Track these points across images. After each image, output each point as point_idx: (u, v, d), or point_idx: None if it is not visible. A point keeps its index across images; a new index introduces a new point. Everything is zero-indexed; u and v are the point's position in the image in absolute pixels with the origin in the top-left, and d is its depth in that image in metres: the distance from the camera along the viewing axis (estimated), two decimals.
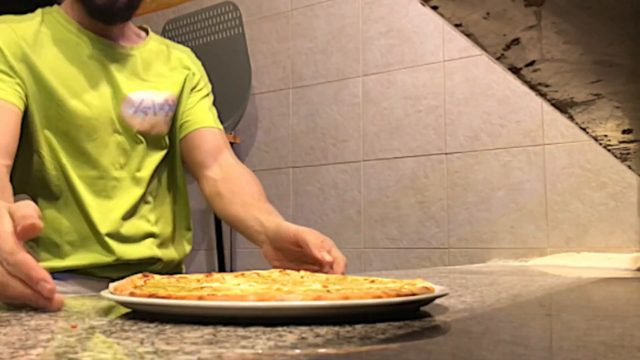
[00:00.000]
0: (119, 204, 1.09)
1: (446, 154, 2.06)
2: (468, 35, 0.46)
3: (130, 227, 1.10)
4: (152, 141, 1.15)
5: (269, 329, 0.45)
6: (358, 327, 0.46)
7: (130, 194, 1.11)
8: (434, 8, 0.41)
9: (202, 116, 1.23)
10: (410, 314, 0.52)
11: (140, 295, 0.50)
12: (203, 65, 1.33)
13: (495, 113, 1.98)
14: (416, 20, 2.15)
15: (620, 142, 0.94)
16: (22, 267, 0.56)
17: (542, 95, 0.65)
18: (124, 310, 0.56)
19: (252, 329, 0.45)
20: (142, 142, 1.13)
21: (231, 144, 2.50)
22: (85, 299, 0.66)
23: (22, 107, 1.03)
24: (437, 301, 0.64)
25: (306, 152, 2.35)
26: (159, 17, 2.73)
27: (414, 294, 0.51)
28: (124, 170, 1.11)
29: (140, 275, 0.64)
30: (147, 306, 0.50)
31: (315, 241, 0.91)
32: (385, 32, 2.22)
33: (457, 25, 0.44)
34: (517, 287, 0.86)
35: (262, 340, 0.40)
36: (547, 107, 1.60)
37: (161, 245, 1.15)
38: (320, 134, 2.33)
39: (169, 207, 1.20)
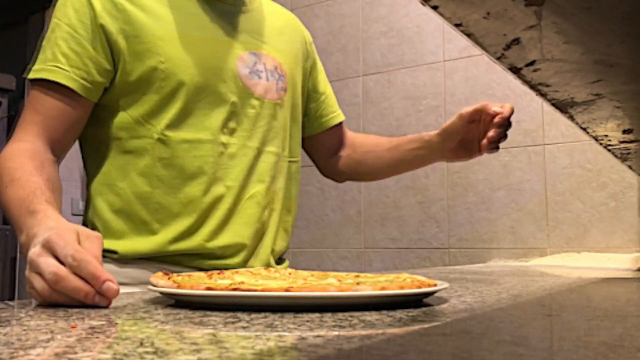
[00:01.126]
0: None
1: None
2: (468, 35, 0.46)
3: None
4: (265, 108, 1.04)
5: (268, 329, 0.45)
6: (358, 327, 0.46)
7: None
8: (434, 8, 0.41)
9: (334, 107, 1.24)
10: (411, 304, 0.53)
11: (216, 288, 0.56)
12: None
13: None
14: (416, 20, 2.15)
15: (621, 142, 0.94)
16: (89, 266, 0.59)
17: (543, 95, 0.65)
18: (123, 310, 0.56)
19: (252, 329, 0.45)
20: (255, 107, 1.03)
21: None
22: None
23: (83, 91, 0.92)
24: (437, 301, 0.64)
25: None
26: None
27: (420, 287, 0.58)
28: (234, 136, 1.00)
29: (161, 273, 0.66)
30: (226, 298, 0.56)
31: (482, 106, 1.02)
32: (385, 32, 2.22)
33: (457, 25, 0.44)
34: (517, 287, 0.86)
35: (262, 340, 0.40)
36: (548, 107, 1.60)
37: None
38: None
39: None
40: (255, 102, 1.02)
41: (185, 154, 0.95)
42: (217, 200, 0.97)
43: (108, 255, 0.93)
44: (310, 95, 1.20)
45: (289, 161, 1.13)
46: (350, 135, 1.28)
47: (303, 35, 1.19)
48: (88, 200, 1.00)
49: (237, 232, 0.98)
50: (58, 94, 0.92)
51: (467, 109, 1.02)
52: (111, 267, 0.93)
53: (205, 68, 0.97)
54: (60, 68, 0.91)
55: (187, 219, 0.95)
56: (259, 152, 1.02)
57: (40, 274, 0.61)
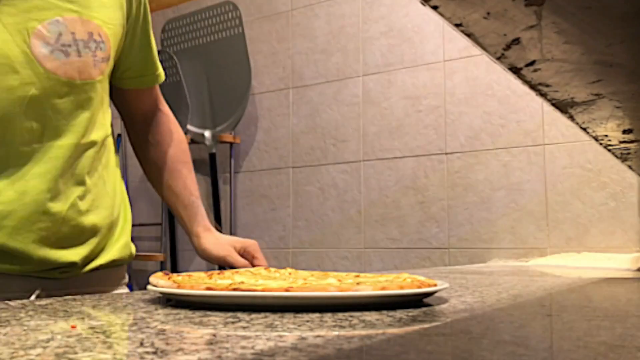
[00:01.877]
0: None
1: (446, 154, 2.06)
2: (468, 35, 0.46)
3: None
4: (78, 92, 0.83)
5: (268, 329, 0.45)
6: (358, 327, 0.46)
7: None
8: (434, 8, 0.41)
9: (155, 64, 0.99)
10: (411, 304, 0.53)
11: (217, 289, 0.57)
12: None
13: (496, 113, 1.98)
14: (416, 20, 2.15)
15: (621, 142, 0.94)
16: None
17: (543, 95, 0.65)
18: (123, 310, 0.56)
19: (252, 329, 0.45)
20: (66, 95, 0.81)
21: (231, 144, 2.53)
22: (85, 299, 0.66)
23: None
24: (437, 301, 0.64)
25: (306, 152, 2.35)
26: (158, 17, 2.73)
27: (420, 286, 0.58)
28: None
29: (161, 273, 0.66)
30: (226, 298, 0.56)
31: (238, 261, 0.96)
32: (385, 32, 2.22)
33: (457, 25, 0.44)
34: (517, 287, 0.86)
35: (262, 340, 0.40)
36: (548, 107, 1.60)
37: None
38: (320, 134, 2.33)
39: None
40: (65, 89, 0.81)
41: None
42: None
43: None
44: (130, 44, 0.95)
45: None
46: (165, 122, 1.04)
47: None
48: None
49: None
50: None
51: (228, 261, 0.96)
52: None
53: None
54: None
55: None
56: (76, 149, 0.83)
57: None
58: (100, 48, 0.84)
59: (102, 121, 0.89)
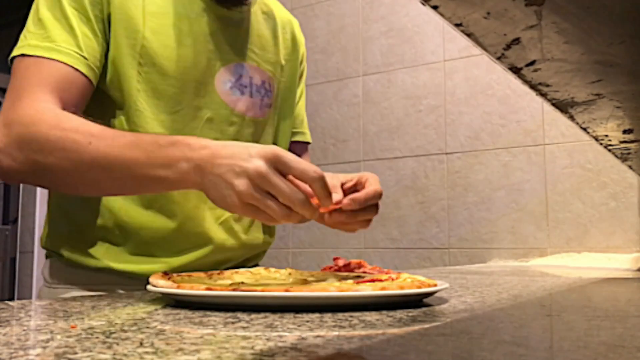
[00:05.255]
0: None
1: (446, 153, 2.06)
2: (468, 35, 0.46)
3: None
4: (244, 126, 0.96)
5: (268, 329, 0.45)
6: (358, 327, 0.46)
7: None
8: (435, 8, 0.41)
9: (303, 124, 1.12)
10: (411, 304, 0.53)
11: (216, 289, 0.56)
12: None
13: (496, 113, 1.98)
14: (416, 19, 2.15)
15: (621, 142, 0.94)
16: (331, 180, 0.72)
17: (543, 95, 0.65)
18: (123, 310, 0.56)
19: (252, 329, 0.45)
20: (235, 123, 0.95)
21: None
22: (85, 299, 0.66)
23: (91, 74, 0.83)
24: (437, 301, 0.64)
25: None
26: None
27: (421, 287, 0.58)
28: None
29: (161, 273, 0.67)
30: (226, 298, 0.55)
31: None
32: (385, 31, 2.22)
33: (457, 25, 0.44)
34: (517, 287, 0.86)
35: (262, 340, 0.40)
36: (548, 107, 1.60)
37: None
38: (320, 133, 2.33)
39: None
40: (235, 119, 0.94)
41: None
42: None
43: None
44: None
45: None
46: None
47: (297, 38, 1.10)
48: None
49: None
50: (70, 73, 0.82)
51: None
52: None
53: (182, 80, 0.90)
54: (77, 53, 0.82)
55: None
56: None
57: (273, 193, 0.65)
58: (267, 96, 0.99)
59: None
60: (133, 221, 0.88)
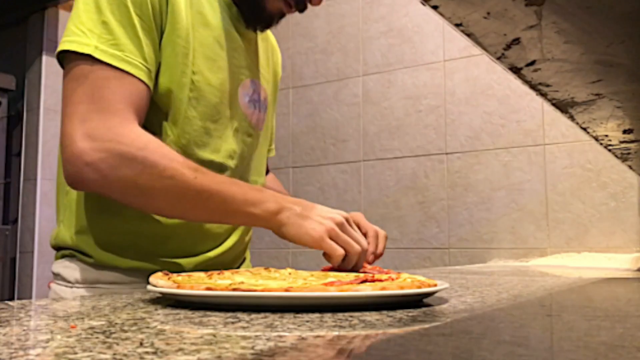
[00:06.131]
0: None
1: (446, 153, 2.06)
2: (468, 35, 0.46)
3: None
4: (254, 137, 1.04)
5: (268, 329, 0.45)
6: (358, 327, 0.46)
7: None
8: (435, 8, 0.41)
9: (273, 140, 1.21)
10: (412, 304, 0.53)
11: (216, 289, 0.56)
12: None
13: (496, 113, 1.98)
14: (416, 19, 2.15)
15: (621, 142, 0.94)
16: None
17: (543, 95, 0.65)
18: (123, 310, 0.56)
19: (252, 329, 0.45)
20: (251, 135, 1.02)
21: None
22: (85, 299, 0.66)
23: (152, 85, 0.87)
24: (437, 301, 0.64)
25: (306, 152, 2.35)
26: None
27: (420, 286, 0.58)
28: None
29: (161, 273, 0.67)
30: (226, 298, 0.55)
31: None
32: (385, 31, 2.22)
33: (457, 25, 0.44)
34: (517, 287, 0.86)
35: (262, 340, 0.40)
36: (548, 107, 1.60)
37: None
38: (320, 134, 2.33)
39: None
40: (251, 131, 1.02)
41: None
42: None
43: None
44: None
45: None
46: (269, 174, 1.28)
47: (278, 63, 1.19)
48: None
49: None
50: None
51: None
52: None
53: (221, 91, 0.95)
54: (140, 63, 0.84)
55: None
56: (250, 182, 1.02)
57: (349, 236, 0.81)
58: (264, 110, 1.07)
59: (262, 169, 1.10)
60: (161, 223, 0.92)
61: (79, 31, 0.83)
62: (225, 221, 0.89)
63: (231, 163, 0.96)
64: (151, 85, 0.86)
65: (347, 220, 0.83)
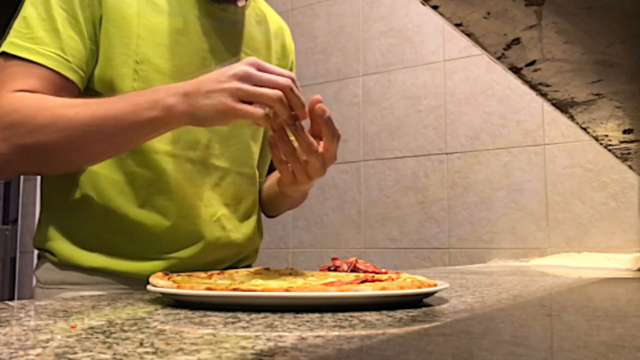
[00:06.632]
0: None
1: (446, 153, 2.06)
2: (468, 35, 0.46)
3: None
4: (240, 125, 0.98)
5: (268, 329, 0.45)
6: (358, 327, 0.46)
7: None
8: (435, 8, 0.41)
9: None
10: (412, 304, 0.53)
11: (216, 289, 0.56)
12: None
13: (496, 113, 1.98)
14: (416, 19, 2.15)
15: (621, 142, 0.94)
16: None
17: (543, 95, 0.65)
18: (123, 310, 0.56)
19: (252, 329, 0.45)
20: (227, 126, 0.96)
21: None
22: (85, 299, 0.66)
23: (75, 77, 0.84)
24: (437, 301, 0.64)
25: None
26: None
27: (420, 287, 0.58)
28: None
29: (161, 273, 0.67)
30: (226, 298, 0.55)
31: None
32: (385, 31, 2.22)
33: (457, 25, 0.44)
34: (517, 287, 0.86)
35: (262, 340, 0.40)
36: (548, 107, 1.60)
37: None
38: None
39: None
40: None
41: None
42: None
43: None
44: None
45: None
46: None
47: (287, 45, 1.12)
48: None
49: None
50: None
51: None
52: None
53: (177, 78, 0.89)
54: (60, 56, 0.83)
55: None
56: (225, 173, 0.96)
57: (262, 85, 0.71)
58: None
59: (251, 161, 1.05)
60: (128, 220, 0.88)
61: (11, 30, 0.84)
62: (137, 139, 0.80)
63: (192, 155, 0.91)
64: (73, 76, 0.83)
65: (251, 65, 0.72)
